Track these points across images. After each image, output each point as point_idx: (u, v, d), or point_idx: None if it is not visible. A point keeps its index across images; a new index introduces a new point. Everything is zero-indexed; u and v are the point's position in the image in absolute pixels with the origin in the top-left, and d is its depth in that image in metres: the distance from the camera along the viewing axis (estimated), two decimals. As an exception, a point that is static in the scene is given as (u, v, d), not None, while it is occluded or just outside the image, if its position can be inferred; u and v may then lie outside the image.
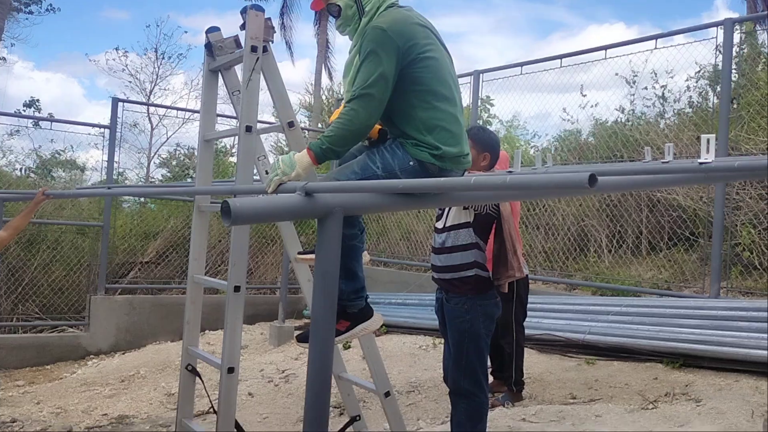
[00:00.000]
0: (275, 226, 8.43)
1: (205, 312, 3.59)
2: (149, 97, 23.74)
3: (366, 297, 3.01)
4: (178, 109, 17.75)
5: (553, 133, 10.55)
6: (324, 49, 23.27)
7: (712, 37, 6.13)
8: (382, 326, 7.27)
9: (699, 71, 8.25)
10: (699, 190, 6.79)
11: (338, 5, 2.71)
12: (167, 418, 5.64)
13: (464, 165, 2.82)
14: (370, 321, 3.03)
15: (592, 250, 8.02)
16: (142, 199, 10.60)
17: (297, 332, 7.68)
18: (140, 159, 22.49)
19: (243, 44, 2.95)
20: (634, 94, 8.51)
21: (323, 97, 22.37)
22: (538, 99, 8.25)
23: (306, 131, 19.11)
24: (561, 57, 7.40)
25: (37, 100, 25.27)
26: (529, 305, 4.92)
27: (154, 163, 21.52)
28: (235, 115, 4.20)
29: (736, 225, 6.50)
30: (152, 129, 22.35)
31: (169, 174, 19.61)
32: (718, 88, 6.38)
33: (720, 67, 6.10)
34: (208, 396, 3.77)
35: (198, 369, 3.48)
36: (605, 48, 6.92)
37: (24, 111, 23.51)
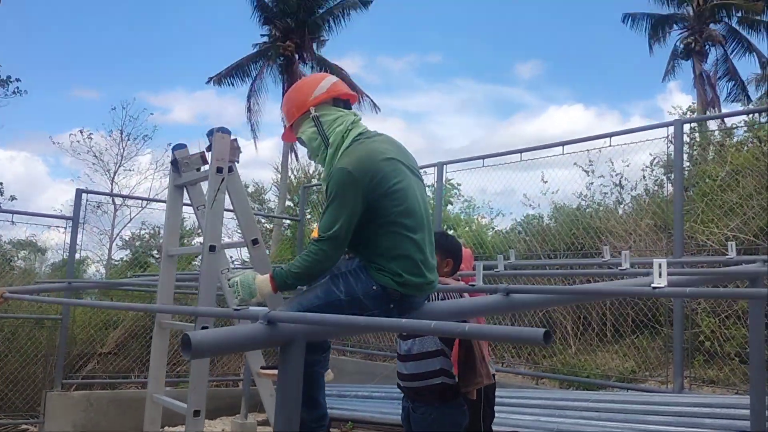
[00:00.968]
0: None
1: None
2: (113, 178, 23.69)
3: (328, 424, 2.97)
4: (140, 198, 17.76)
5: (516, 211, 10.71)
6: (291, 131, 23.58)
7: (663, 137, 6.39)
8: (348, 423, 7.14)
9: (653, 160, 8.58)
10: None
11: (303, 140, 2.87)
12: None
13: (428, 291, 2.86)
14: None
15: (558, 337, 8.06)
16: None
17: (260, 428, 7.47)
18: (102, 240, 22.25)
19: (209, 162, 3.00)
20: (592, 183, 8.77)
21: (291, 176, 22.58)
22: (503, 177, 8.42)
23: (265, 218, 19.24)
24: (521, 151, 7.64)
25: (0, 183, 25.04)
26: (497, 400, 4.87)
27: (117, 244, 21.30)
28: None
29: (697, 313, 6.62)
30: (115, 210, 22.21)
31: (130, 255, 19.42)
32: (672, 176, 6.60)
33: (673, 157, 6.32)
34: None
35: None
36: (562, 144, 7.16)
37: (-14, 192, 23.23)
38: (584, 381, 6.91)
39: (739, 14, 22.95)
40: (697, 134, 8.24)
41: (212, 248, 2.83)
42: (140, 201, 18.78)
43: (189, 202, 3.36)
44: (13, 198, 25.74)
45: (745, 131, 7.99)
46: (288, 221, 17.25)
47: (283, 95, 24.60)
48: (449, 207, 11.20)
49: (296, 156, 23.67)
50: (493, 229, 11.95)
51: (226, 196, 2.95)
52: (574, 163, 8.18)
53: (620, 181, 9.25)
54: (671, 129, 6.20)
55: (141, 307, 5.38)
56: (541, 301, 2.73)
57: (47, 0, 42.42)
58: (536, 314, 8.10)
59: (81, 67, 44.67)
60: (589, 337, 7.84)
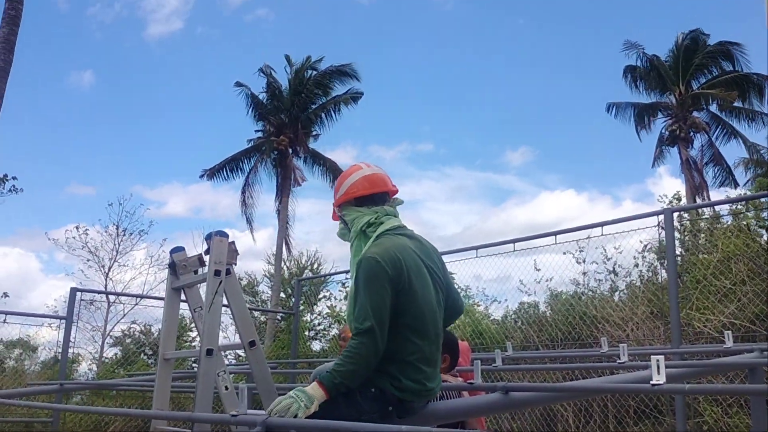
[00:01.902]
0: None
1: None
2: (108, 273, 23.60)
3: None
4: (133, 295, 17.76)
5: (512, 298, 10.67)
6: (285, 225, 23.81)
7: (654, 226, 6.48)
8: None
9: (645, 246, 8.66)
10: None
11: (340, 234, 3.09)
12: None
13: (427, 398, 2.83)
14: None
15: (560, 429, 7.89)
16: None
17: None
18: (94, 336, 21.93)
19: (207, 264, 3.03)
20: (585, 273, 8.81)
21: (284, 268, 22.59)
22: (497, 263, 8.43)
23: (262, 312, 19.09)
24: (514, 241, 7.70)
25: (-7, 282, 24.96)
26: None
27: (108, 342, 20.99)
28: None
29: (699, 401, 6.52)
30: (108, 307, 22.00)
31: (121, 353, 19.11)
32: (665, 263, 6.65)
33: (664, 242, 6.38)
34: None
35: None
36: (555, 234, 7.24)
37: (-22, 292, 23.08)
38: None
39: (719, 102, 23.73)
40: (687, 221, 8.36)
41: (209, 352, 2.82)
42: (133, 299, 18.67)
43: (186, 303, 3.38)
44: (5, 295, 25.47)
45: (731, 220, 8.12)
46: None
47: (276, 188, 25.01)
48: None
49: (289, 248, 23.78)
50: (490, 317, 11.90)
51: (224, 298, 2.97)
52: (564, 252, 8.25)
53: (614, 268, 9.31)
54: (661, 216, 6.30)
55: (137, 412, 5.27)
56: (541, 399, 2.71)
57: (44, 97, 43.48)
58: (537, 407, 7.96)
59: (77, 163, 45.29)
60: (592, 429, 7.68)
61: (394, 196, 3.13)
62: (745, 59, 23.29)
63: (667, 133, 24.34)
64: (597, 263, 9.22)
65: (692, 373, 2.95)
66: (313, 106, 24.91)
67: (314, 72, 24.86)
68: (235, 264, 3.06)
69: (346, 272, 11.12)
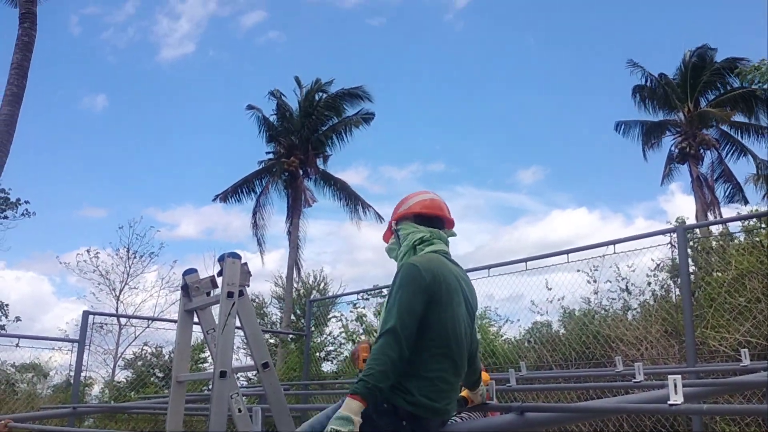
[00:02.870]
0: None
1: None
2: (119, 296, 23.68)
3: None
4: (144, 318, 17.79)
5: (524, 318, 10.60)
6: (295, 246, 23.83)
7: (667, 243, 6.45)
8: None
9: (658, 266, 8.60)
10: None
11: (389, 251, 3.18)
12: None
13: (443, 416, 2.83)
14: None
15: (575, 451, 7.79)
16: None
17: None
18: (106, 360, 21.94)
19: (220, 287, 3.04)
20: (597, 292, 8.76)
21: (294, 292, 22.57)
22: (509, 281, 8.38)
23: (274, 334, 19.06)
24: (526, 260, 7.68)
25: (6, 305, 25.08)
26: None
27: (119, 366, 20.99)
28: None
29: (716, 421, 6.44)
30: (120, 329, 22.04)
31: (133, 375, 19.10)
32: (678, 281, 6.60)
33: (677, 261, 6.34)
34: None
35: None
36: (567, 252, 7.22)
37: (-7, 314, 23.28)
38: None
39: (717, 121, 23.71)
40: (698, 238, 8.31)
41: (223, 374, 2.82)
42: (144, 321, 18.70)
43: (199, 325, 3.38)
44: (18, 319, 25.60)
45: (744, 237, 8.06)
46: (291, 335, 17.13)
47: (287, 209, 25.11)
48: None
49: (299, 270, 23.74)
50: (503, 336, 11.83)
51: (237, 320, 2.97)
52: (578, 270, 8.20)
53: (627, 286, 9.24)
54: (674, 234, 6.27)
55: None
56: (556, 420, 2.69)
57: (57, 121, 43.98)
58: (552, 428, 7.87)
59: (89, 186, 45.69)
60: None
61: (451, 228, 3.23)
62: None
63: (676, 150, 24.31)
64: (610, 281, 9.15)
65: (709, 392, 2.92)
66: (324, 128, 25.06)
67: (324, 94, 25.04)
68: (248, 285, 3.06)
69: (358, 292, 11.12)
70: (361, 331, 13.39)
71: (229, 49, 46.55)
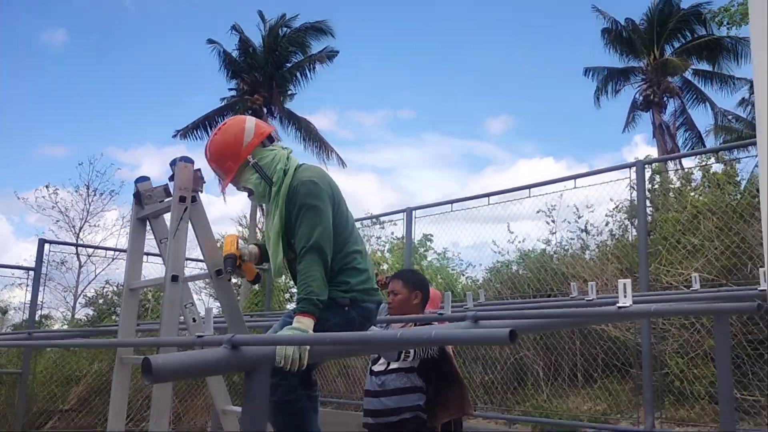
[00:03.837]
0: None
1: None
2: (78, 234, 23.31)
3: None
4: (105, 248, 17.40)
5: (487, 263, 10.78)
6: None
7: (626, 177, 6.52)
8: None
9: (616, 206, 8.71)
10: (627, 321, 6.96)
11: (249, 188, 3.01)
12: None
13: (376, 297, 2.99)
14: None
15: (530, 383, 8.00)
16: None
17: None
18: (66, 297, 21.72)
19: (172, 193, 2.97)
20: (555, 232, 8.87)
21: (258, 233, 22.44)
22: (473, 230, 8.51)
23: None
24: (488, 195, 7.73)
25: (-37, 245, 24.55)
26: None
27: (80, 303, 20.82)
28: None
29: (665, 354, 6.63)
30: (80, 267, 21.78)
31: (94, 313, 18.93)
32: (636, 222, 6.71)
33: (636, 202, 6.45)
34: None
35: None
36: (529, 187, 7.27)
37: (-53, 252, 22.79)
38: (556, 423, 6.85)
39: (672, 69, 23.84)
40: (657, 177, 8.41)
41: (175, 278, 2.77)
42: (105, 257, 18.40)
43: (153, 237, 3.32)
44: (-26, 255, 25.09)
45: (702, 176, 8.18)
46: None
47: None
48: (424, 262, 11.20)
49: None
50: (465, 276, 11.99)
51: (190, 226, 2.91)
52: (538, 210, 8.29)
53: (585, 227, 9.37)
54: (634, 174, 6.34)
55: (102, 342, 5.23)
56: (509, 327, 2.70)
57: (14, 55, 42.34)
58: (507, 359, 8.06)
59: (48, 123, 44.41)
60: (561, 382, 7.79)
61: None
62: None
63: (641, 97, 24.47)
64: (569, 222, 9.25)
65: (658, 300, 2.96)
66: (288, 65, 24.55)
67: (288, 30, 24.46)
68: (201, 191, 3.00)
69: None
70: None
71: (192, -16, 45.05)
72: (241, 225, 23.88)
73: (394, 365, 3.60)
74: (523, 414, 7.34)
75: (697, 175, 8.17)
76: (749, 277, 6.09)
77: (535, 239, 9.07)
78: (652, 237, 6.88)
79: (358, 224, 11.30)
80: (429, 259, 11.46)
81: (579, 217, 9.12)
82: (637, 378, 6.51)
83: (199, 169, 2.99)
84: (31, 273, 8.43)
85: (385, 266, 10.71)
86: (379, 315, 3.43)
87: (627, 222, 8.96)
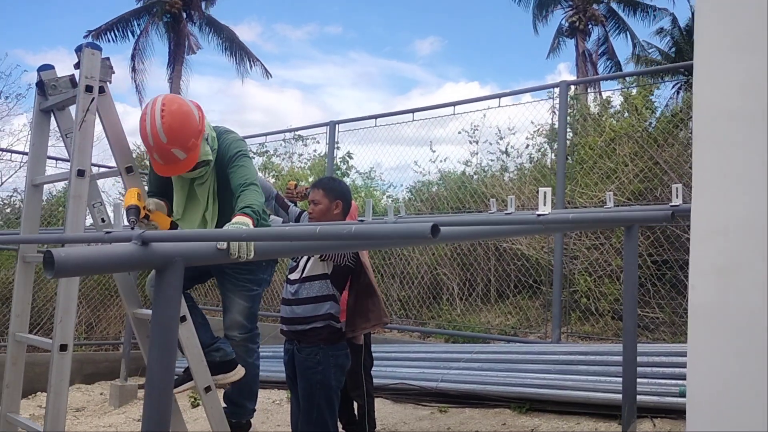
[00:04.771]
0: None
1: (39, 372, 3.25)
2: (-18, 138, 21.92)
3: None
4: (11, 151, 16.41)
5: (409, 183, 10.87)
6: (177, 94, 22.67)
7: (549, 98, 6.59)
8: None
9: (537, 130, 8.83)
10: (540, 240, 7.18)
11: (207, 159, 3.25)
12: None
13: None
14: None
15: (444, 299, 8.21)
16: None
17: (141, 392, 7.17)
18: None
19: (78, 82, 2.75)
20: (477, 153, 8.95)
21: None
22: (396, 151, 8.49)
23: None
24: (413, 111, 7.67)
25: None
26: (384, 354, 4.88)
27: (-15, 211, 19.76)
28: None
29: (574, 273, 6.91)
30: (-16, 170, 20.57)
31: (1, 222, 18.06)
32: (555, 146, 6.84)
33: (556, 127, 6.56)
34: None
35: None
36: (453, 104, 7.24)
37: None
38: (468, 335, 7.09)
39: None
40: (576, 102, 8.55)
41: (81, 173, 2.60)
42: (11, 162, 17.31)
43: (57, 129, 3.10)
44: None
45: (620, 102, 8.37)
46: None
47: (169, 56, 23.54)
48: (347, 179, 11.17)
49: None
50: (386, 195, 12.06)
51: (97, 119, 2.72)
52: (460, 132, 8.32)
53: (507, 149, 9.49)
54: (556, 102, 6.41)
55: (5, 238, 4.96)
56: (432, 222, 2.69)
57: None
58: (424, 276, 8.22)
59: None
60: (475, 298, 8.03)
61: None
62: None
63: (566, 24, 24.61)
64: (491, 143, 9.35)
65: (575, 218, 3.02)
66: (210, -33, 23.28)
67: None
68: (110, 82, 2.79)
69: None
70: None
71: None
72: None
73: (306, 273, 3.59)
74: (437, 327, 7.57)
75: (616, 101, 8.35)
76: (658, 200, 6.35)
77: (455, 161, 9.15)
78: (569, 162, 7.03)
79: (280, 138, 11.08)
80: (351, 177, 11.42)
81: (501, 139, 9.21)
82: (547, 294, 6.77)
83: (107, 58, 2.77)
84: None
85: (306, 183, 10.63)
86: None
87: (546, 146, 9.12)
